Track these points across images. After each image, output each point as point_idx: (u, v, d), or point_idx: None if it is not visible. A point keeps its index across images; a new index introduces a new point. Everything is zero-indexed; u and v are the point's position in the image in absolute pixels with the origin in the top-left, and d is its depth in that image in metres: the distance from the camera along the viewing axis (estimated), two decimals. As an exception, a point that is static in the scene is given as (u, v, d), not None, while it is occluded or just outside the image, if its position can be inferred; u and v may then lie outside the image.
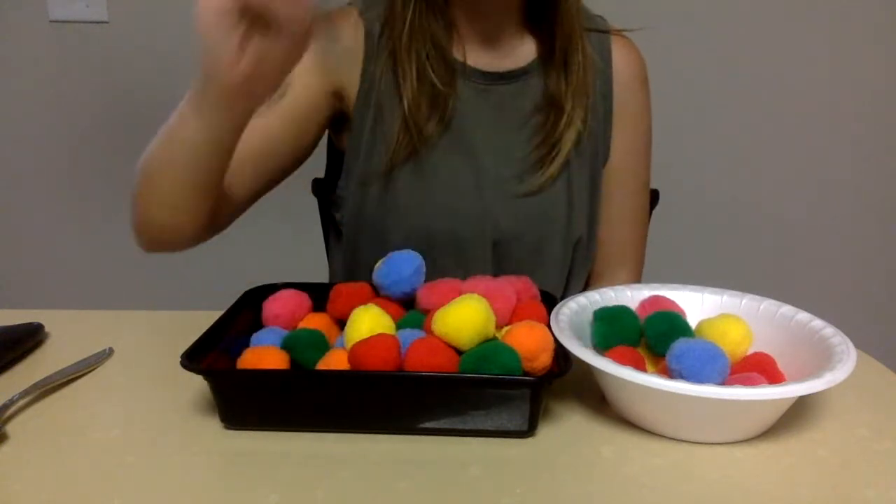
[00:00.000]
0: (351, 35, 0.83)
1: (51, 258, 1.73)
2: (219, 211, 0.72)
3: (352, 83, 0.83)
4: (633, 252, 0.95)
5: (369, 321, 0.58)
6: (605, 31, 0.88)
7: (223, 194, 0.71)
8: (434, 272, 0.66)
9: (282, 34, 0.52)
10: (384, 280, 0.64)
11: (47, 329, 0.73)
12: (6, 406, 0.58)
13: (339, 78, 0.83)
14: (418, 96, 0.80)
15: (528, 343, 0.55)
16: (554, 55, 0.82)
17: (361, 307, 0.60)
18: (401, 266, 0.64)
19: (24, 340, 0.69)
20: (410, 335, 0.58)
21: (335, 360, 0.56)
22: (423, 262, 0.65)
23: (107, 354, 0.69)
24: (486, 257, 0.85)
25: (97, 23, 1.57)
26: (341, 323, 0.63)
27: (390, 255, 0.66)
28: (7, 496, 0.48)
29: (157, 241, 0.72)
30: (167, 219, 0.68)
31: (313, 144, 0.85)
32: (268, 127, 0.76)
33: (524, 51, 0.85)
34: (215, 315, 0.64)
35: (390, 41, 0.81)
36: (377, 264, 0.66)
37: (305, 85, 0.80)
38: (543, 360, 0.55)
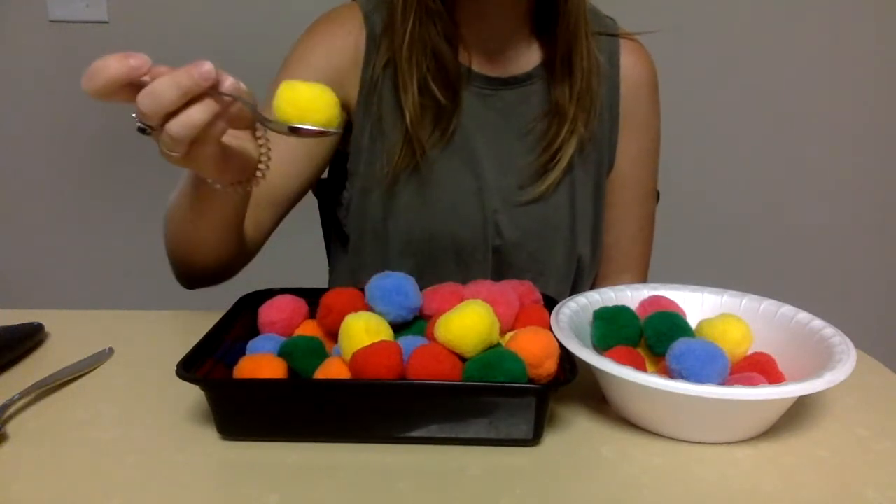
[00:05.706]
0: (353, 39, 0.82)
1: (51, 258, 1.73)
2: (247, 240, 0.78)
3: (353, 86, 0.82)
4: (637, 259, 0.94)
5: (363, 326, 0.56)
6: (615, 35, 0.86)
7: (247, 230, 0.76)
8: (434, 276, 0.65)
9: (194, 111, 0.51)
10: (384, 312, 0.60)
11: (47, 329, 0.73)
12: (6, 406, 0.58)
13: (342, 87, 0.81)
14: (420, 109, 0.79)
15: (534, 349, 0.54)
16: (558, 60, 0.80)
17: (352, 314, 0.57)
18: (393, 295, 0.59)
19: (24, 340, 0.69)
20: (413, 342, 0.56)
21: (335, 369, 0.55)
22: (411, 281, 0.61)
23: (107, 354, 0.69)
24: (487, 264, 0.84)
25: (97, 23, 1.57)
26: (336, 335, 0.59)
27: (374, 285, 0.60)
28: (7, 496, 0.48)
29: (198, 280, 0.78)
30: (200, 260, 0.73)
31: (328, 161, 0.86)
32: (281, 162, 0.72)
33: (530, 56, 0.84)
34: (215, 315, 0.64)
35: (390, 50, 0.79)
36: (367, 290, 0.61)
37: None
38: (549, 366, 0.54)
